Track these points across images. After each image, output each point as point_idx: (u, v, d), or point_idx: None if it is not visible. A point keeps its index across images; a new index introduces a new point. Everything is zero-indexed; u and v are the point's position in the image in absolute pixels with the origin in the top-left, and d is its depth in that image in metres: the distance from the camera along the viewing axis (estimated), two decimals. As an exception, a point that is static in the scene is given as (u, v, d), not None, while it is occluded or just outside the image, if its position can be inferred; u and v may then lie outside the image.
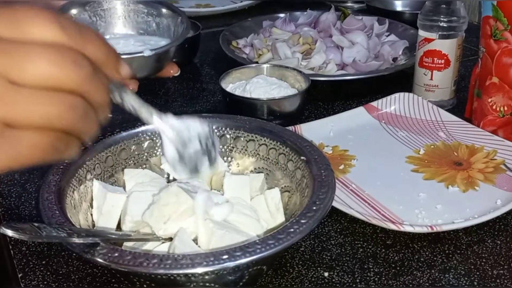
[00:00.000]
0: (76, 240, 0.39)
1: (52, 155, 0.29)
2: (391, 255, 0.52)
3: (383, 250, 0.53)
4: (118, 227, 0.50)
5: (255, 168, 0.57)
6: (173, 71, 0.62)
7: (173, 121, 0.41)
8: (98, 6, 0.62)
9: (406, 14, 1.16)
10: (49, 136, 0.28)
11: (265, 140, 0.56)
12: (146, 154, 0.57)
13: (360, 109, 0.76)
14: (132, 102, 0.35)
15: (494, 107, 0.70)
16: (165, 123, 0.41)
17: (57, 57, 0.27)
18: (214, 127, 0.56)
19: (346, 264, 0.51)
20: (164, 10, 0.65)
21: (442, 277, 0.50)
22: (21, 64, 0.26)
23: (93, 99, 0.29)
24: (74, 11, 0.60)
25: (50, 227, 0.40)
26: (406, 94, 0.78)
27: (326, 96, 0.86)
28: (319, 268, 0.51)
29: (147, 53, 0.56)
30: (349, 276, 0.50)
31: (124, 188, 0.54)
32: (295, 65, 0.87)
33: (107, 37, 0.63)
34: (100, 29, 0.62)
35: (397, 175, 0.64)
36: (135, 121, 0.49)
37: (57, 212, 0.43)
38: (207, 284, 0.42)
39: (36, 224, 0.38)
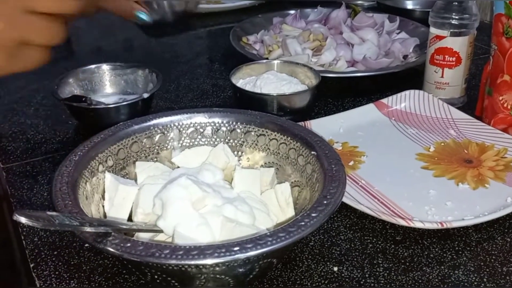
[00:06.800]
0: (88, 229, 0.40)
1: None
2: (401, 251, 0.53)
3: (393, 246, 0.53)
4: (129, 219, 0.51)
5: (265, 163, 0.57)
6: None
7: None
8: (86, 74, 0.80)
9: (417, 12, 1.16)
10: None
11: (275, 135, 0.56)
12: (157, 147, 0.57)
13: (370, 106, 0.76)
14: None
15: (505, 105, 0.70)
16: None
17: None
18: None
19: (355, 259, 0.51)
20: (138, 70, 0.80)
21: (451, 274, 0.50)
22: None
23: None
24: (70, 80, 0.78)
25: (63, 216, 0.40)
26: (417, 91, 0.78)
27: (336, 93, 0.85)
28: (328, 263, 0.51)
29: (145, 95, 0.73)
30: (359, 271, 0.50)
31: (136, 180, 0.55)
32: (305, 61, 0.87)
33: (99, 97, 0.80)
34: (90, 91, 0.80)
35: (407, 172, 0.63)
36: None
37: (70, 202, 0.44)
38: (218, 276, 0.42)
39: (49, 213, 0.39)
